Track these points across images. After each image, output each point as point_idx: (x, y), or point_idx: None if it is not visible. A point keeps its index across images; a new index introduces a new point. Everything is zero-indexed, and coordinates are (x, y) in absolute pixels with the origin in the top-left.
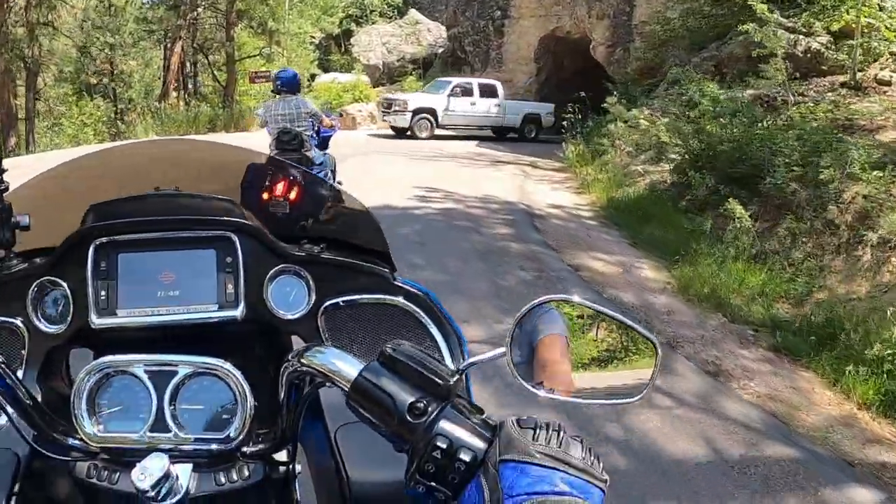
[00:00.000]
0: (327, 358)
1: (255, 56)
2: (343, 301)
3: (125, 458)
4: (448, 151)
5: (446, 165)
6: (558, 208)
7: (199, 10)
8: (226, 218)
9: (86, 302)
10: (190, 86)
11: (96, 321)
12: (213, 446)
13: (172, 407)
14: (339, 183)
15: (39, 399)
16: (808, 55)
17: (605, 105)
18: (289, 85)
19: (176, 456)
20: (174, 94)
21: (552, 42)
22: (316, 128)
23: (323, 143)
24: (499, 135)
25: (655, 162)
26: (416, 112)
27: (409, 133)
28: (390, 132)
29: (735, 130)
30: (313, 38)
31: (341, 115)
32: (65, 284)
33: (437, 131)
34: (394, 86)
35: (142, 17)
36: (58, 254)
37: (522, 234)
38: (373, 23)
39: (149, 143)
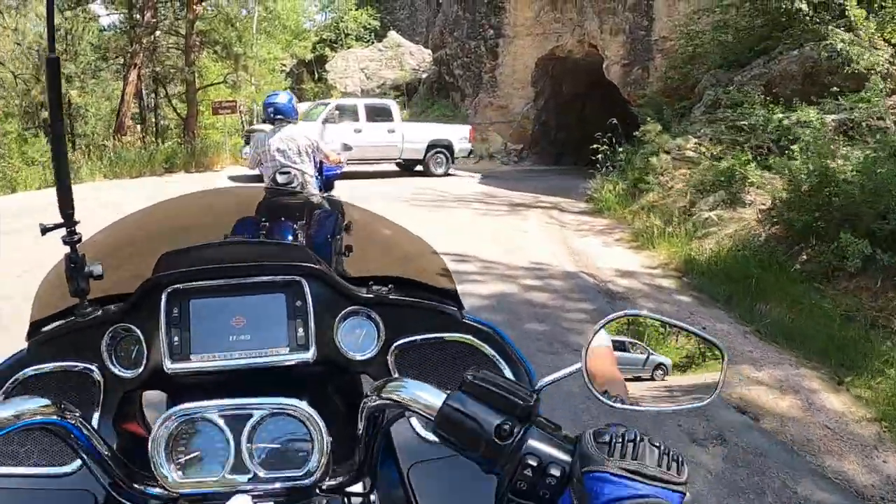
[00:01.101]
0: (409, 390)
1: (219, 83)
2: (412, 341)
3: (206, 502)
4: (451, 193)
5: (459, 215)
6: (630, 276)
7: (158, 33)
8: (294, 263)
9: (159, 347)
10: (150, 120)
11: (170, 366)
12: (293, 483)
13: (250, 446)
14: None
15: (115, 443)
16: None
17: (637, 133)
18: (284, 112)
19: (257, 495)
20: (133, 129)
21: (550, 64)
22: (318, 165)
23: (327, 184)
24: (402, 169)
25: (729, 206)
26: None
27: None
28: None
29: (882, 171)
30: (283, 64)
31: (350, 148)
32: (138, 331)
33: None
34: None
35: (99, 45)
36: (131, 301)
37: None
38: (348, 47)
39: (216, 192)
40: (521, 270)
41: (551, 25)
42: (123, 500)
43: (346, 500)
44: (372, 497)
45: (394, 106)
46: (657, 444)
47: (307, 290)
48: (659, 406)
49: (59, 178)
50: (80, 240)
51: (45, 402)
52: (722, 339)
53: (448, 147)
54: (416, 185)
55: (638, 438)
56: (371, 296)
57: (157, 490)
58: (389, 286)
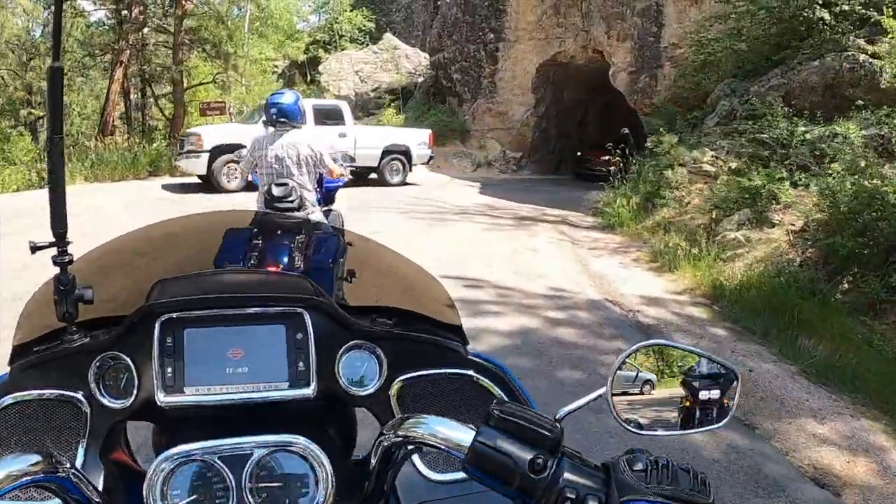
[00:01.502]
0: (433, 427)
1: (207, 83)
2: (416, 377)
3: None
4: (451, 204)
5: (462, 230)
6: (657, 305)
7: (146, 30)
8: (295, 294)
9: (151, 378)
10: (137, 120)
11: (163, 399)
12: None
13: (251, 485)
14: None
15: (102, 474)
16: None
17: (648, 144)
18: (288, 114)
19: None
20: (120, 129)
21: (552, 69)
22: (318, 178)
23: (328, 198)
24: (354, 177)
25: (756, 225)
26: (216, 152)
27: (213, 182)
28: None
29: None
30: (276, 65)
31: (353, 160)
32: (129, 360)
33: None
34: (370, 119)
35: (85, 41)
36: (123, 329)
37: None
38: (342, 49)
39: (214, 215)
40: (541, 298)
41: (554, 30)
42: None
43: None
44: None
45: (345, 107)
46: (685, 468)
47: (308, 322)
48: (678, 431)
49: (53, 195)
50: (71, 261)
51: (36, 457)
52: (772, 382)
53: (405, 153)
54: (410, 196)
55: (670, 464)
56: (374, 329)
57: None
58: (393, 319)
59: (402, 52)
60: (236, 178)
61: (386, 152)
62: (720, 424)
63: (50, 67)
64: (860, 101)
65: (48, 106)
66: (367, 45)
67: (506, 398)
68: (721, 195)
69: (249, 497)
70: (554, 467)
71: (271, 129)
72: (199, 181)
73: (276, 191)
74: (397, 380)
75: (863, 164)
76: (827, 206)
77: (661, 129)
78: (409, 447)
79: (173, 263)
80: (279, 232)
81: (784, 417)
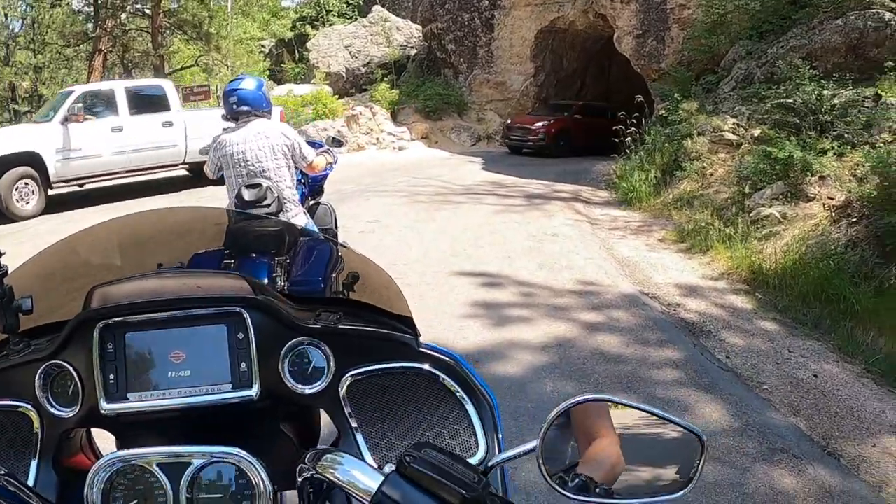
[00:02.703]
0: (344, 469)
1: (189, 67)
2: (365, 372)
3: None
4: (455, 184)
5: (470, 213)
6: (696, 295)
7: (123, 15)
8: (234, 294)
9: (94, 386)
10: None
11: (106, 406)
12: None
13: (189, 496)
14: (345, 246)
15: (57, 482)
16: None
17: (662, 112)
18: (252, 102)
19: None
20: None
21: (551, 37)
22: (297, 173)
23: (315, 190)
24: (193, 175)
25: (790, 200)
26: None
27: None
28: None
29: None
30: (262, 45)
31: (342, 144)
32: (72, 368)
33: (60, 189)
34: (362, 95)
35: (63, 31)
36: (63, 337)
37: (742, 409)
38: (331, 24)
39: (150, 214)
40: (571, 296)
41: None
42: None
43: None
44: None
45: (169, 88)
46: None
47: (249, 321)
48: (629, 499)
49: None
50: (5, 273)
51: None
52: (840, 389)
53: None
54: (410, 175)
55: None
56: (318, 325)
57: None
58: (339, 313)
59: (393, 24)
60: (35, 196)
61: None
62: (679, 494)
63: None
64: (889, 63)
65: None
66: (357, 18)
67: (462, 392)
68: (749, 167)
69: None
70: None
71: (232, 123)
72: None
73: (247, 194)
74: (346, 376)
75: None
76: (878, 180)
77: (676, 96)
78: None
79: (114, 267)
80: (256, 248)
81: (865, 438)
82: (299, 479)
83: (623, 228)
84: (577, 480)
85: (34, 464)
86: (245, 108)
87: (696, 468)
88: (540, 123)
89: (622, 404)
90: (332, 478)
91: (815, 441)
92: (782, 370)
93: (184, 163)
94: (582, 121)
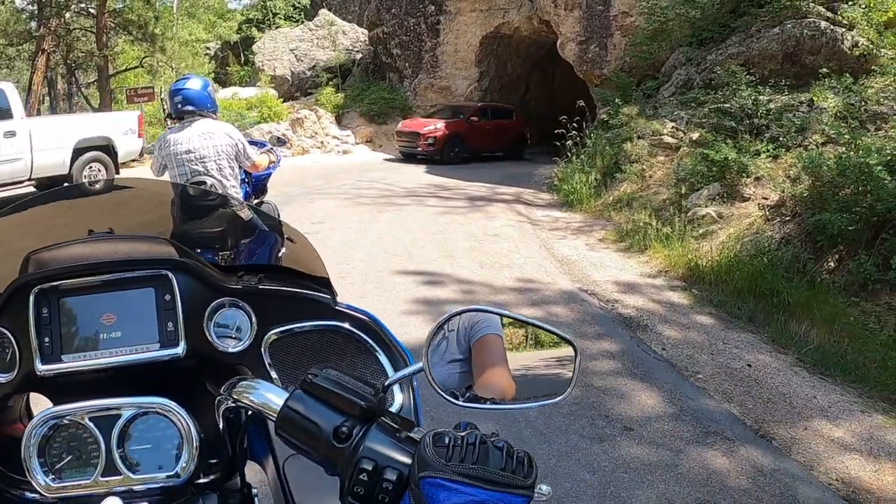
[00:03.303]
0: (258, 392)
1: (133, 68)
2: (285, 330)
3: None
4: (398, 186)
5: (414, 214)
6: (634, 292)
7: (67, 14)
8: (160, 256)
9: (31, 349)
10: (64, 110)
11: (42, 368)
12: (164, 483)
13: (121, 450)
14: (291, 240)
15: None
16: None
17: (603, 116)
18: (196, 102)
19: (130, 497)
20: None
21: (495, 42)
22: (241, 172)
23: (259, 188)
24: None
25: (726, 200)
26: None
27: None
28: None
29: None
30: (207, 47)
31: (285, 143)
32: (9, 333)
33: None
34: (307, 99)
35: (10, 30)
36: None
37: (677, 396)
38: (277, 27)
39: (78, 188)
40: (511, 293)
41: (497, 1)
42: None
43: (223, 496)
44: (247, 491)
45: (11, 92)
46: (500, 446)
47: (175, 283)
48: (512, 405)
49: None
50: None
51: None
52: (773, 378)
53: (107, 149)
54: (354, 178)
55: (479, 441)
56: (240, 286)
57: (33, 495)
58: (259, 276)
59: (339, 27)
60: None
61: (79, 151)
62: (559, 398)
63: None
64: (824, 70)
65: None
66: (303, 22)
67: (377, 347)
68: (687, 169)
69: (118, 458)
70: (359, 437)
71: (177, 123)
72: None
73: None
74: (268, 335)
75: (846, 134)
76: (809, 180)
77: (616, 101)
78: (249, 412)
79: (48, 237)
80: (200, 244)
81: (797, 422)
82: (218, 410)
83: (564, 229)
84: (468, 395)
85: None
86: (190, 107)
87: (573, 374)
88: (429, 128)
89: (498, 314)
90: (247, 402)
91: (748, 425)
92: (717, 360)
93: (30, 179)
94: (479, 124)
